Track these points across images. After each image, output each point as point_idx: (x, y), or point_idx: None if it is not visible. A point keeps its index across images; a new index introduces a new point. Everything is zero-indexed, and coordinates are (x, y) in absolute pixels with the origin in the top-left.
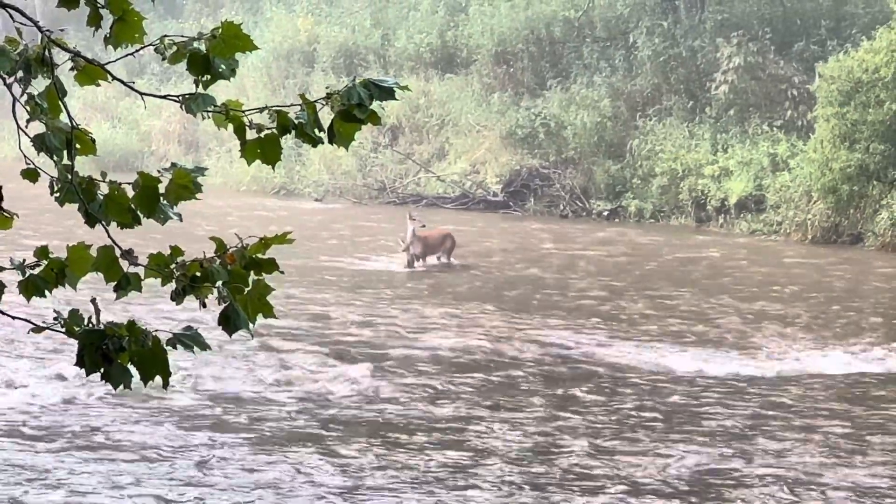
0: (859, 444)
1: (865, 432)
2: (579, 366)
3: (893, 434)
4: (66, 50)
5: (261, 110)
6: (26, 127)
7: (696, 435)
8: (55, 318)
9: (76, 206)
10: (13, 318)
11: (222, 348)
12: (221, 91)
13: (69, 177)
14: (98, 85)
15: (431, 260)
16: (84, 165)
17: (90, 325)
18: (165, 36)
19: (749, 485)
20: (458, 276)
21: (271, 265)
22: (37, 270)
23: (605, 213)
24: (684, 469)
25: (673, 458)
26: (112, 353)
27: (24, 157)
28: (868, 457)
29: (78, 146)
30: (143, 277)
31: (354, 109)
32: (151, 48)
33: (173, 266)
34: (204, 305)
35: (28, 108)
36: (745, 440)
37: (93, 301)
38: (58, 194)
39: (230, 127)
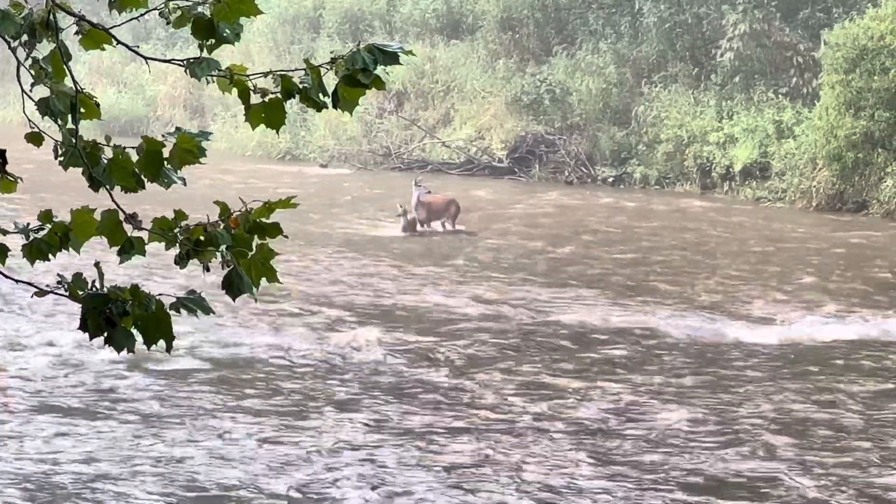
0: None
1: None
2: (593, 332)
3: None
4: (71, 14)
5: (265, 75)
6: (31, 91)
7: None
8: (59, 282)
9: (80, 170)
10: (16, 281)
11: (225, 312)
12: (227, 56)
13: (73, 140)
14: (103, 49)
15: (436, 225)
16: (89, 130)
17: (94, 289)
18: (170, 0)
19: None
20: (461, 241)
21: (275, 229)
22: (41, 234)
23: (610, 180)
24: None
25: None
26: (115, 317)
27: (29, 120)
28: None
29: (82, 110)
30: (147, 241)
31: (358, 74)
32: (156, 12)
33: (177, 230)
34: (207, 269)
35: (32, 71)
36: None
37: (96, 265)
38: (62, 158)
39: (235, 92)
